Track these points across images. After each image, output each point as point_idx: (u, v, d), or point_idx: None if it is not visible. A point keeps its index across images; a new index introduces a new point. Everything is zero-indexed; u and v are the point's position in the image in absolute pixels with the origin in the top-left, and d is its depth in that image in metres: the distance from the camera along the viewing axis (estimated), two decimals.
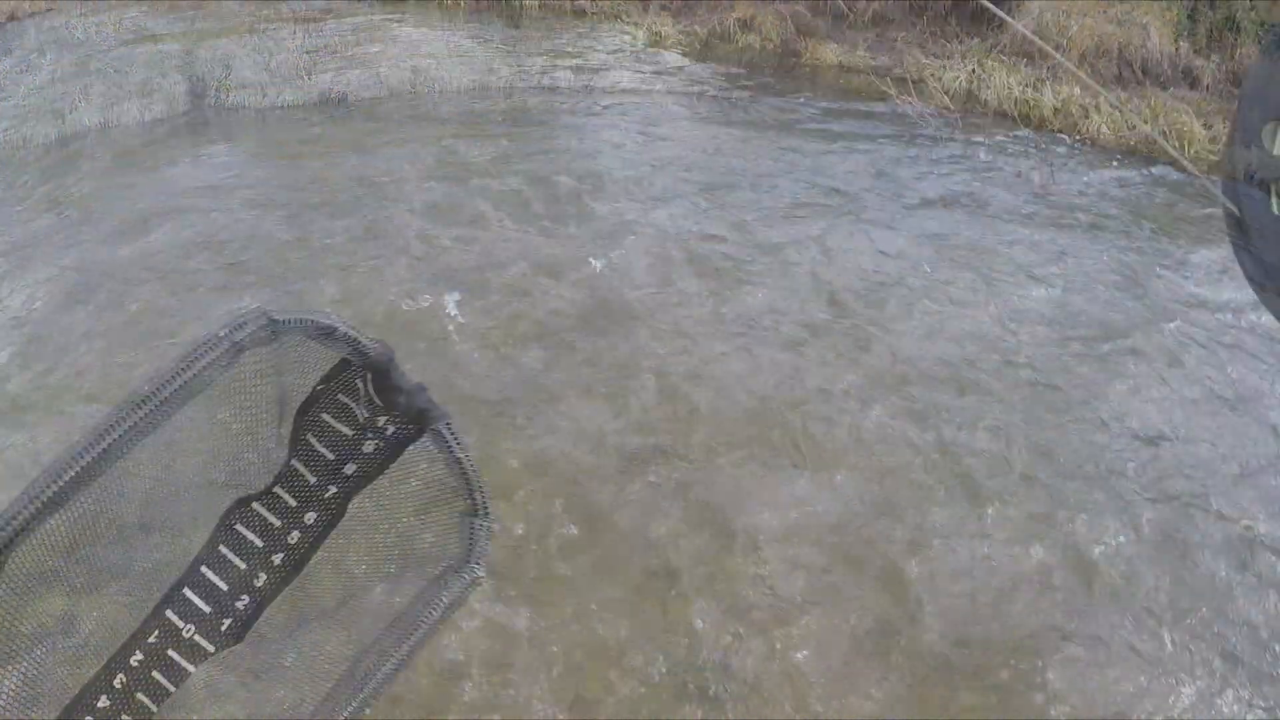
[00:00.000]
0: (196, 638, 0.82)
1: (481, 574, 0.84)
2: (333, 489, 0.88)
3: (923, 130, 7.30)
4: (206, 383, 0.71)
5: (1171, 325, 4.48)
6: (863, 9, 9.81)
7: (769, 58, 8.96)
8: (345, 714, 0.77)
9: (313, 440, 0.87)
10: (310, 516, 0.88)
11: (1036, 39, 2.00)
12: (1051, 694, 2.62)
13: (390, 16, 10.82)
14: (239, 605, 0.84)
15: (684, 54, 8.99)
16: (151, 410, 0.66)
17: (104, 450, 0.64)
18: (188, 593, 0.82)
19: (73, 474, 0.63)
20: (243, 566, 0.85)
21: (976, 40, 9.45)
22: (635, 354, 4.00)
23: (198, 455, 0.79)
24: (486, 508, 0.87)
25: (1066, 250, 5.29)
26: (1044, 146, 7.86)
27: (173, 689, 0.79)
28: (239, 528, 0.85)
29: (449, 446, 0.88)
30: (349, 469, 0.88)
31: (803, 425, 3.60)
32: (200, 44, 10.51)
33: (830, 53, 9.02)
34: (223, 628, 0.83)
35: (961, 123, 7.73)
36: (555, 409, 3.66)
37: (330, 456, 0.87)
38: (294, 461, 0.87)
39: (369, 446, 0.89)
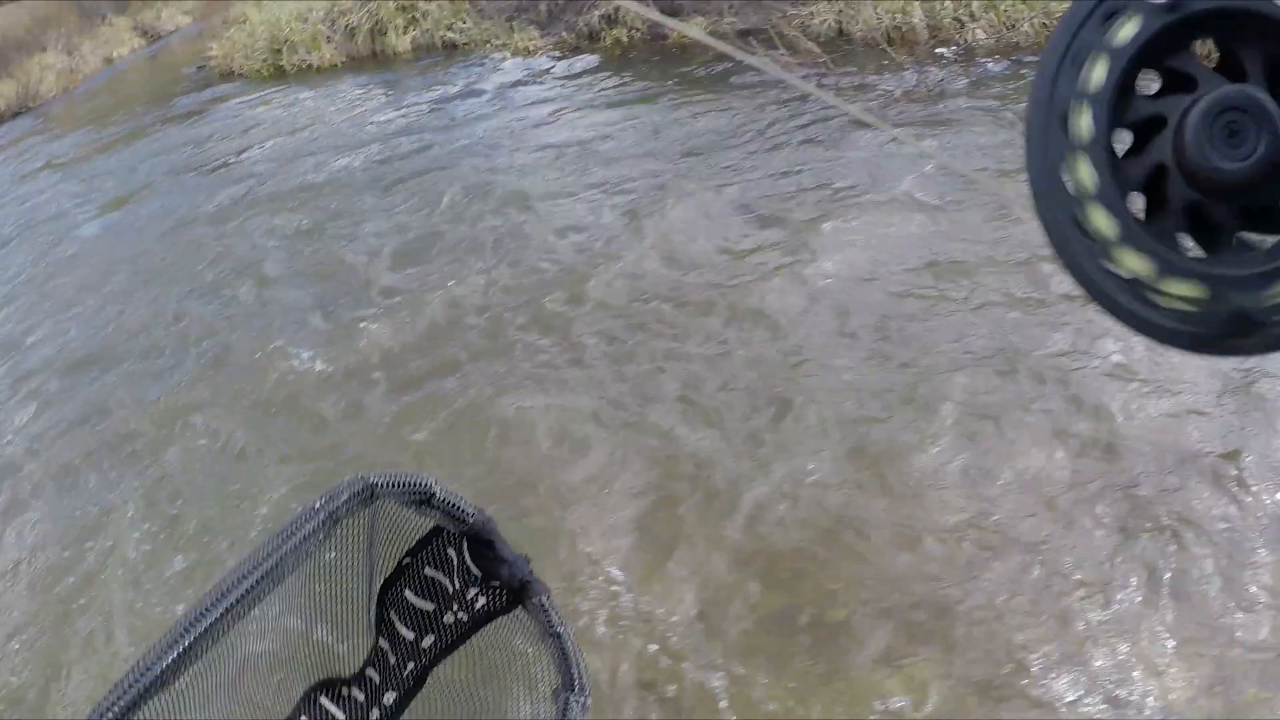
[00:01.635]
0: None
1: None
2: (411, 665, 0.87)
3: (785, 83, 7.28)
4: (304, 557, 0.69)
5: None
6: None
7: (637, 47, 8.97)
8: None
9: (395, 619, 0.86)
10: (390, 696, 0.86)
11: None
12: None
13: (274, 91, 10.92)
14: None
15: (553, 62, 9.01)
16: (249, 589, 0.64)
17: (197, 637, 0.61)
18: None
19: (167, 663, 0.60)
20: None
21: None
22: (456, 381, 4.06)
23: (285, 632, 0.78)
24: (585, 685, 0.83)
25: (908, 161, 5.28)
26: (920, 66, 7.85)
27: None
28: (323, 700, 0.84)
29: (549, 620, 0.84)
30: (426, 641, 0.87)
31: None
32: (95, 159, 10.68)
33: (697, 26, 9.01)
34: None
35: (831, 64, 7.71)
36: None
37: (410, 636, 0.86)
38: (381, 640, 0.85)
39: (450, 618, 0.87)
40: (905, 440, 3.09)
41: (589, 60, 8.82)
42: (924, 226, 4.47)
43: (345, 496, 0.70)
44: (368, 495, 0.71)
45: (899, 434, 3.14)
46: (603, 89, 7.89)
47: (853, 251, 4.34)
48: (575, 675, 0.81)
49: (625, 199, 5.34)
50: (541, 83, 8.41)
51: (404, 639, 0.85)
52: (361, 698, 0.85)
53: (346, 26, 11.05)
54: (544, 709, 0.83)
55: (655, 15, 1.73)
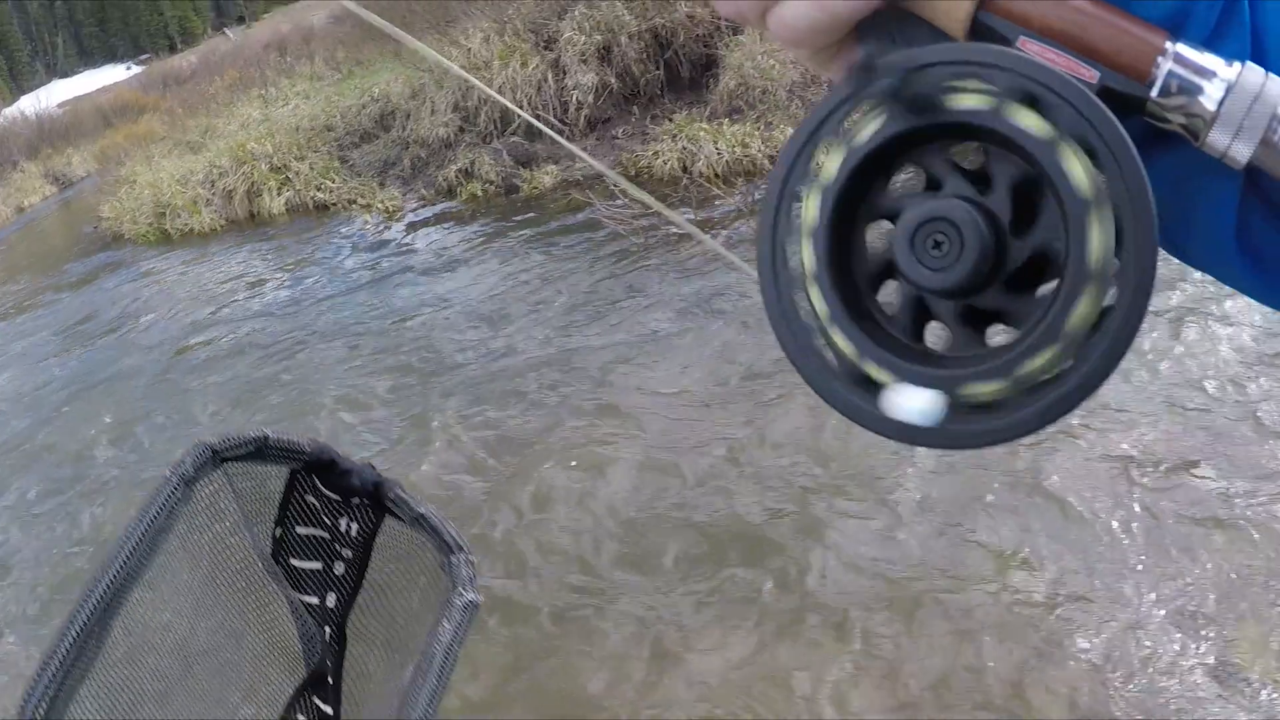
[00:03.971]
0: None
1: (474, 598, 0.82)
2: (329, 629, 0.90)
3: (609, 232, 7.60)
4: (170, 518, 0.71)
5: None
6: (574, 117, 10.26)
7: (492, 199, 9.31)
8: None
9: (295, 594, 0.88)
10: (328, 631, 0.90)
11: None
12: None
13: (156, 258, 11.13)
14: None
15: (411, 218, 9.33)
16: (127, 559, 0.65)
17: (96, 605, 0.62)
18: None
19: (74, 635, 0.61)
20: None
21: (682, 113, 9.88)
22: None
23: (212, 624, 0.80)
24: (461, 544, 0.86)
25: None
26: (749, 194, 8.24)
27: None
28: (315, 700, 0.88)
29: (410, 506, 0.87)
30: (331, 600, 0.90)
31: None
32: None
33: (548, 175, 9.38)
34: None
35: (665, 208, 8.05)
36: None
37: (315, 601, 0.89)
38: (296, 622, 0.89)
39: (340, 568, 0.90)
40: None
41: (444, 217, 9.16)
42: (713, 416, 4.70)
43: (189, 460, 0.73)
44: (208, 455, 0.75)
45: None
46: (452, 249, 8.20)
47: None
48: (449, 540, 0.86)
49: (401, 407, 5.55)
50: (393, 246, 8.72)
51: (312, 607, 0.89)
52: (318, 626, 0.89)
53: (224, 190, 11.33)
54: (441, 583, 0.86)
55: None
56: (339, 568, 0.90)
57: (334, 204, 10.29)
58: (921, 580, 3.16)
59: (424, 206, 9.58)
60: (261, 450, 0.81)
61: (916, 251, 0.38)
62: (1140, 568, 3.08)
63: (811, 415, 4.27)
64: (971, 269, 0.37)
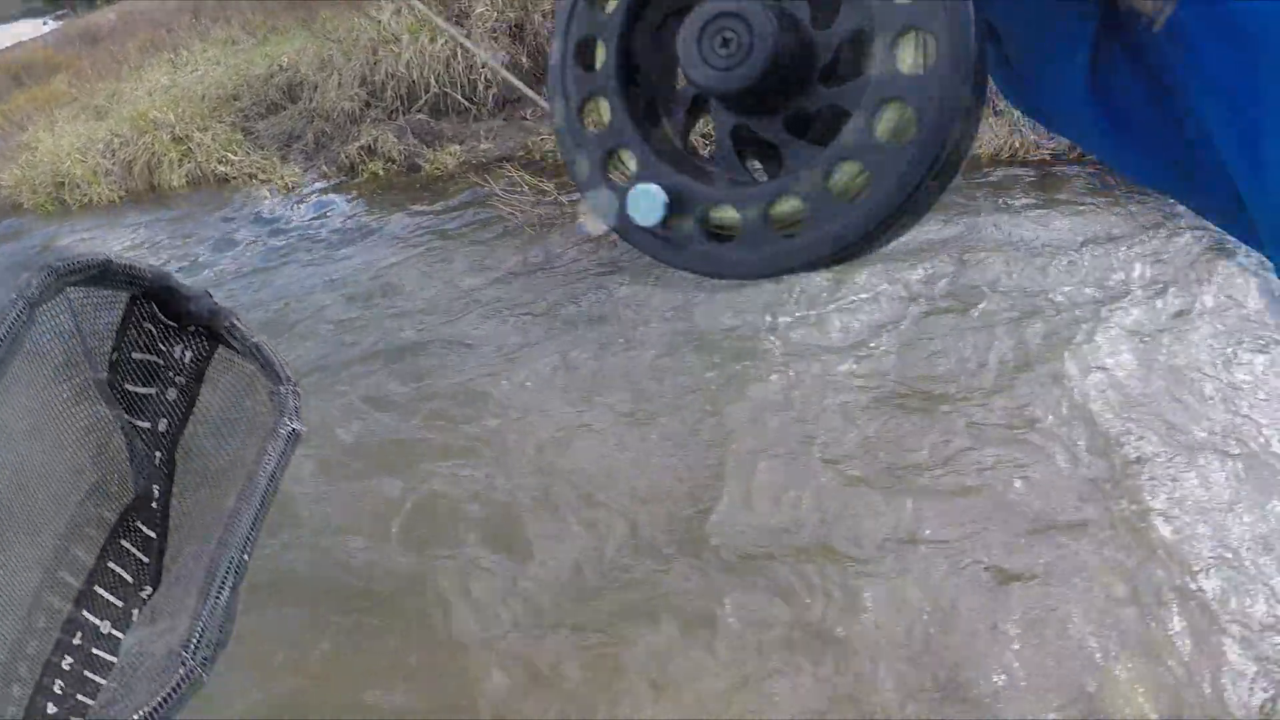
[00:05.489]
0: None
1: (298, 427, 0.84)
2: (159, 454, 0.90)
3: (496, 215, 7.60)
4: (15, 342, 0.69)
5: None
6: (483, 96, 10.17)
7: (395, 178, 9.22)
8: (218, 581, 0.73)
9: (129, 417, 0.87)
10: (156, 491, 0.91)
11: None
12: None
13: (54, 228, 10.82)
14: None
15: (310, 197, 9.20)
16: None
17: None
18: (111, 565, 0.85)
19: None
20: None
21: None
22: None
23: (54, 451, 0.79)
24: (289, 376, 0.87)
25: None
26: None
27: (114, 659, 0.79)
28: (138, 523, 0.87)
29: (244, 335, 0.87)
30: (162, 425, 0.90)
31: None
32: None
33: (452, 156, 9.31)
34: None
35: (558, 193, 8.03)
36: None
37: (147, 426, 0.89)
38: (128, 444, 0.88)
39: (173, 394, 0.89)
40: None
41: (343, 194, 9.06)
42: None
43: (35, 283, 0.72)
44: (53, 278, 0.75)
45: None
46: (343, 231, 8.12)
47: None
48: (278, 372, 0.88)
49: None
50: (286, 227, 8.61)
51: (144, 431, 0.89)
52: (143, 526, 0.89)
53: (124, 160, 11.02)
54: (268, 412, 0.88)
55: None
56: (171, 393, 0.91)
57: (235, 178, 10.09)
58: (732, 618, 3.28)
59: (323, 182, 9.46)
60: (104, 274, 0.81)
61: (703, 51, 0.35)
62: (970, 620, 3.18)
63: (638, 439, 4.37)
64: (761, 67, 0.34)
